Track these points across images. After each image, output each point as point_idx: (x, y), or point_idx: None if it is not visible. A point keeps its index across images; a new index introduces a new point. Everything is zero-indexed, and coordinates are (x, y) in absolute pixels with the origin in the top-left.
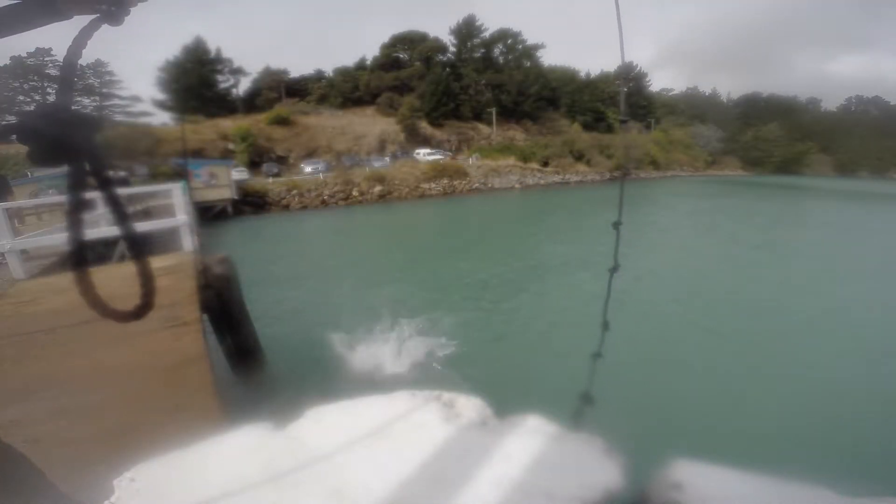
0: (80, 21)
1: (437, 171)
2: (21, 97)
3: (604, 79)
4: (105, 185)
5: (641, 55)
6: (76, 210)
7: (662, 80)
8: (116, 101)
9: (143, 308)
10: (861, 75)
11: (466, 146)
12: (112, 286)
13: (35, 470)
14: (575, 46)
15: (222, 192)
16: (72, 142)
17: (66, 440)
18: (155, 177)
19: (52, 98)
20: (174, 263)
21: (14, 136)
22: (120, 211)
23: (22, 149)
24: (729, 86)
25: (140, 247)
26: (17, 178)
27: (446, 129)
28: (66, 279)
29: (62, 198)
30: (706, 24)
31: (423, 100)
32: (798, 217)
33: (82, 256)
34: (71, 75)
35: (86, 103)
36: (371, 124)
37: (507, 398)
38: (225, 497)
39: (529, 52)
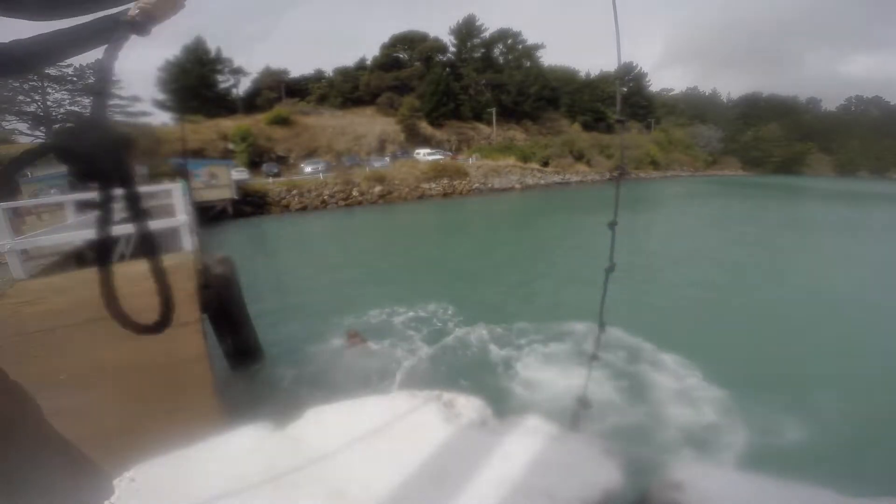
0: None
1: (437, 171)
2: (21, 97)
3: (604, 79)
4: (133, 200)
5: (649, 53)
6: (106, 223)
7: (671, 79)
8: (116, 101)
9: (162, 324)
10: (873, 76)
11: (466, 146)
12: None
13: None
14: (575, 46)
15: (222, 192)
16: (107, 162)
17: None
18: (155, 177)
19: (50, 97)
20: (174, 263)
21: (53, 156)
22: (143, 223)
23: (17, 147)
24: (738, 84)
25: (159, 263)
26: (19, 177)
27: (446, 129)
28: (66, 279)
29: (62, 198)
30: (718, 22)
31: (423, 100)
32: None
33: (109, 268)
34: (105, 89)
35: (85, 103)
36: (371, 124)
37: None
38: (225, 497)
39: (529, 52)
